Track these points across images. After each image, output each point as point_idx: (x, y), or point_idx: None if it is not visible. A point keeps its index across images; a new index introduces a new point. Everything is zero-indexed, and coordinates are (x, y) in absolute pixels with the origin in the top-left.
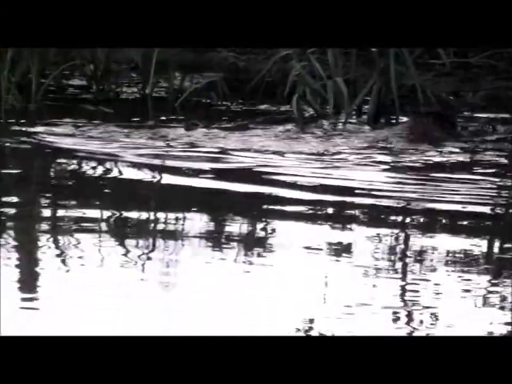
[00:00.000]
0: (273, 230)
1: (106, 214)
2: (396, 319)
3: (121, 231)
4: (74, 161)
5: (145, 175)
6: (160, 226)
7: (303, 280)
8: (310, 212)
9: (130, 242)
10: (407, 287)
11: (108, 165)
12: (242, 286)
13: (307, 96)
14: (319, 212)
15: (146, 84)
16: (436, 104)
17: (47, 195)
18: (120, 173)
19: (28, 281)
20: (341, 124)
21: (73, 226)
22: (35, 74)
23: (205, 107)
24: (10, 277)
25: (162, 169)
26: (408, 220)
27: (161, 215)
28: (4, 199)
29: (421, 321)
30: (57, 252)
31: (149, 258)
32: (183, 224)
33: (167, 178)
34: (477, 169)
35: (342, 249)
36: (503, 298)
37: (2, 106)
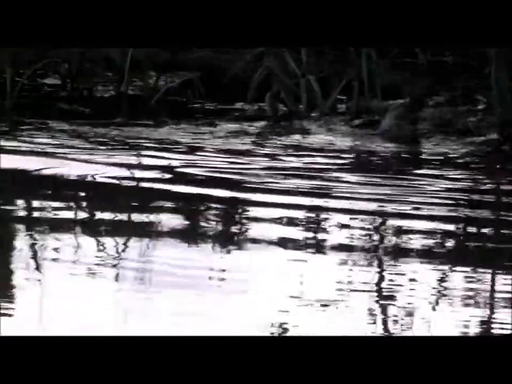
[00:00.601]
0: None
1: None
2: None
3: (94, 231)
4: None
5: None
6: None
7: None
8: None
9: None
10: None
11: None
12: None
13: (281, 94)
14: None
15: (122, 82)
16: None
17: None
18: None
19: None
20: (315, 121)
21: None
22: (9, 73)
23: (180, 105)
24: None
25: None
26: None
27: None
28: None
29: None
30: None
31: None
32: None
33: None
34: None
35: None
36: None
37: None
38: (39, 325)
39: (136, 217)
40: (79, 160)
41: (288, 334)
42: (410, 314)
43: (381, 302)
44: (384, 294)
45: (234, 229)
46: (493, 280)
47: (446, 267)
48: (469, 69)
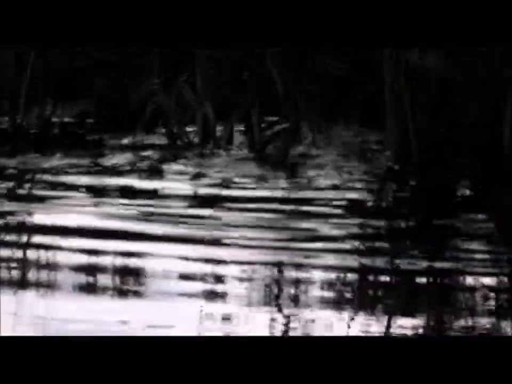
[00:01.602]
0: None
1: None
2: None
3: None
4: None
5: None
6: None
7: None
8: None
9: None
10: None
11: None
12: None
13: (171, 125)
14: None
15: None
16: None
17: None
18: None
19: None
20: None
21: None
22: None
23: (77, 137)
24: None
25: None
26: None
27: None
28: None
29: None
30: None
31: None
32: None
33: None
34: None
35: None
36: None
37: None
38: None
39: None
40: None
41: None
42: None
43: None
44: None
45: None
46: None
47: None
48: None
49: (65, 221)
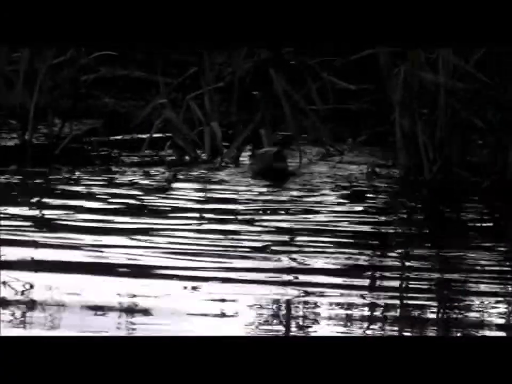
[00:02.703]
0: None
1: None
2: None
3: None
4: None
5: None
6: None
7: None
8: None
9: None
10: None
11: None
12: None
13: (179, 142)
14: None
15: (26, 130)
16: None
17: None
18: None
19: None
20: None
21: None
22: None
23: (85, 154)
24: None
25: None
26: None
27: None
28: None
29: None
30: None
31: None
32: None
33: None
34: None
35: None
36: None
37: None
38: None
39: None
40: None
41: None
42: None
43: None
44: None
45: None
46: None
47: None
48: (373, 115)
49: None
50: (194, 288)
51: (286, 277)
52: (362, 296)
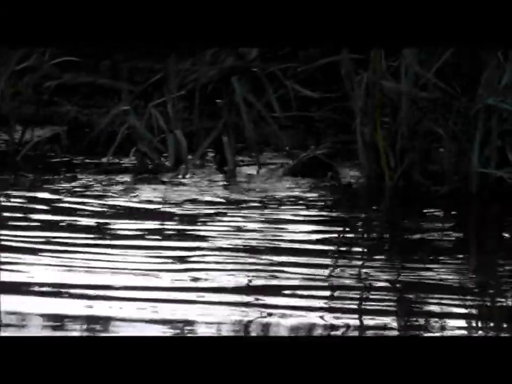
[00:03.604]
0: None
1: None
2: None
3: None
4: None
5: None
6: None
7: None
8: None
9: None
10: None
11: None
12: None
13: (142, 149)
14: None
15: None
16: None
17: None
18: None
19: None
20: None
21: None
22: None
23: (47, 160)
24: None
25: None
26: None
27: None
28: None
29: None
30: None
31: None
32: None
33: None
34: None
35: None
36: None
37: None
38: None
39: None
40: None
41: None
42: None
43: None
44: None
45: None
46: None
47: None
48: (335, 124)
49: None
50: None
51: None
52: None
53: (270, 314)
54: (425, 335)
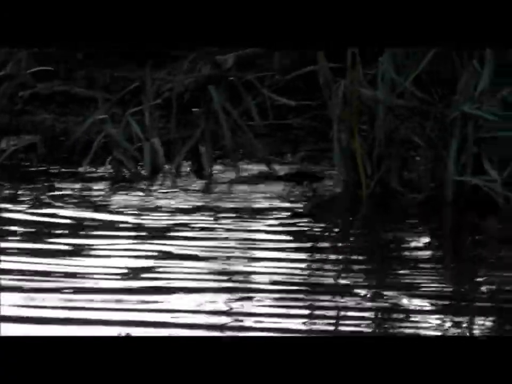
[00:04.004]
0: None
1: None
2: None
3: None
4: None
5: None
6: None
7: None
8: None
9: None
10: None
11: None
12: None
13: (118, 157)
14: None
15: None
16: None
17: None
18: None
19: None
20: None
21: None
22: None
23: (23, 170)
24: None
25: None
26: None
27: None
28: None
29: None
30: None
31: None
32: None
33: None
34: None
35: None
36: None
37: None
38: None
39: None
40: None
41: None
42: None
43: None
44: None
45: None
46: None
47: None
48: (313, 131)
49: None
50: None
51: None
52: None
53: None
54: (425, 335)
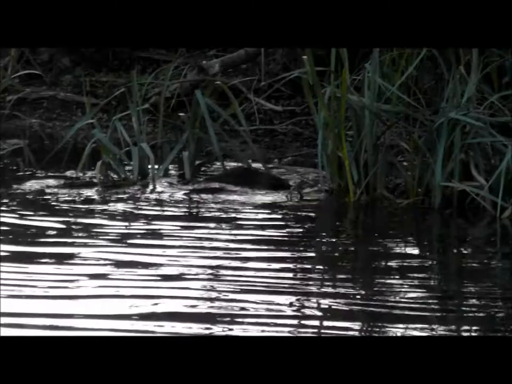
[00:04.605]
0: None
1: None
2: None
3: None
4: None
5: None
6: None
7: None
8: None
9: None
10: None
11: None
12: None
13: (109, 162)
14: None
15: None
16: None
17: None
18: None
19: None
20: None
21: None
22: None
23: (11, 173)
24: None
25: None
26: None
27: None
28: None
29: None
30: None
31: None
32: None
33: None
34: None
35: None
36: None
37: None
38: None
39: None
40: None
41: None
42: None
43: None
44: None
45: None
46: None
47: None
48: (299, 137)
49: None
50: None
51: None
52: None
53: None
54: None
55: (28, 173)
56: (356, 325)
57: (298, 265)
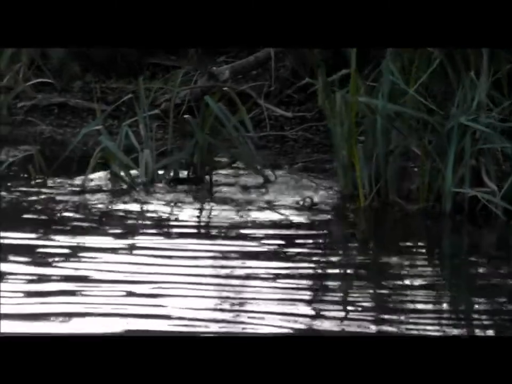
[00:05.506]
0: None
1: None
2: None
3: None
4: None
5: None
6: None
7: None
8: None
9: None
10: None
11: None
12: None
13: (116, 168)
14: None
15: None
16: None
17: None
18: None
19: None
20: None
21: None
22: None
23: (23, 180)
24: None
25: None
26: None
27: None
28: None
29: None
30: None
31: None
32: None
33: None
34: None
35: None
36: None
37: None
38: None
39: None
40: None
41: None
42: None
43: None
44: None
45: None
46: None
47: None
48: (310, 142)
49: None
50: None
51: None
52: None
53: None
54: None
55: (39, 180)
56: (358, 328)
57: (305, 272)
